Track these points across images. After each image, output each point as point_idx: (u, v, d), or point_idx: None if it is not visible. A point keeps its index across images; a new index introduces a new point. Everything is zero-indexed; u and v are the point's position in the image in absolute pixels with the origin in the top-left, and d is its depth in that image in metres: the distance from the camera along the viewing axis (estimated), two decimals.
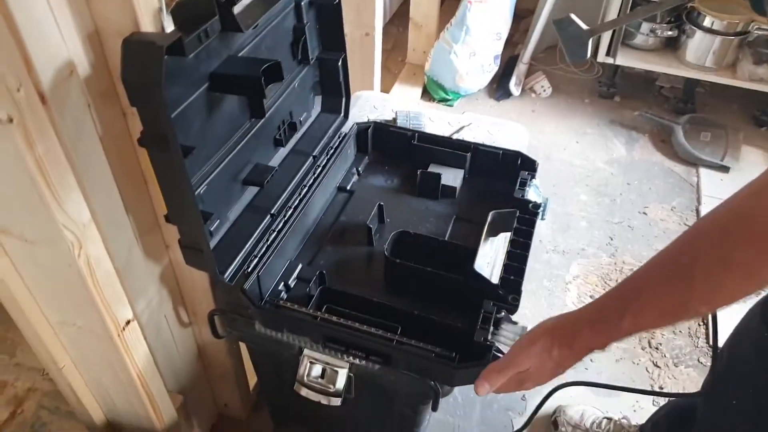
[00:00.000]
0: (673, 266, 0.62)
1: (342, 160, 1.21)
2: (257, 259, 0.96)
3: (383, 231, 1.11)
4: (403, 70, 2.57)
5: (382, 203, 1.11)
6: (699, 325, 1.66)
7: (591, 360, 1.55)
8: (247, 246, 0.96)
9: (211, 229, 0.93)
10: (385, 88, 2.35)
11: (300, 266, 1.03)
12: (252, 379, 1.36)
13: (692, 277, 0.59)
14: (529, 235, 1.02)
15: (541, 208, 1.10)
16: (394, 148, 1.26)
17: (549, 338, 0.72)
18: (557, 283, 1.76)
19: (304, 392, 1.02)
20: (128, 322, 0.84)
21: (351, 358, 0.92)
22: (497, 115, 2.45)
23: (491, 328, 0.88)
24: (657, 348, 1.59)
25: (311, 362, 0.98)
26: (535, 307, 1.68)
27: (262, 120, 1.01)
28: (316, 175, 1.12)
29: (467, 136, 1.35)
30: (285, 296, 0.99)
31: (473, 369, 0.85)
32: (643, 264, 0.66)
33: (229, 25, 0.80)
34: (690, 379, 1.53)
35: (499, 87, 2.51)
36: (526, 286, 1.72)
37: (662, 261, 0.64)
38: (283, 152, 1.12)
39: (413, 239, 1.03)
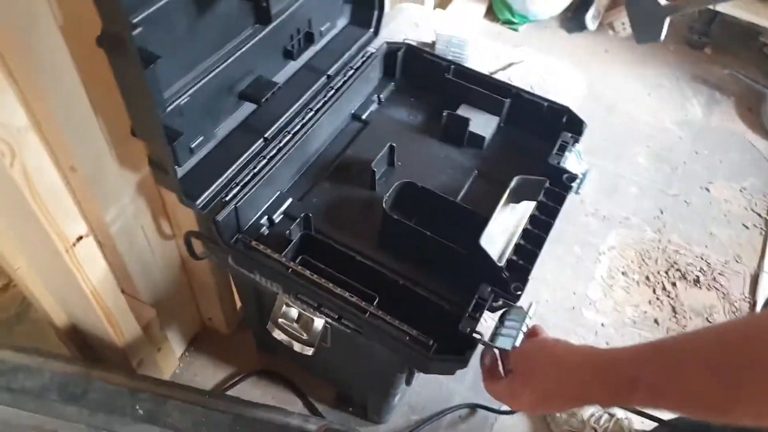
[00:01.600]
0: (720, 359, 0.48)
1: (362, 83, 1.05)
2: (238, 187, 0.85)
3: (390, 176, 0.98)
4: None
5: (394, 144, 0.96)
6: None
7: (607, 343, 1.42)
8: (230, 171, 0.85)
9: (192, 146, 0.82)
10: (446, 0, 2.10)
11: (290, 200, 0.92)
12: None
13: (740, 383, 0.45)
14: (554, 213, 0.87)
15: (578, 181, 0.93)
16: (424, 78, 1.09)
17: (548, 366, 0.61)
18: (589, 252, 1.60)
19: (277, 334, 0.94)
20: (80, 238, 0.76)
21: (322, 316, 0.82)
22: (565, 50, 2.19)
23: (481, 319, 0.76)
24: None
25: (287, 305, 0.90)
26: (558, 273, 1.54)
27: (270, 26, 0.87)
28: (326, 98, 0.98)
29: (515, 76, 1.17)
30: (266, 233, 0.89)
31: (450, 362, 0.75)
32: (681, 334, 0.53)
33: None
34: None
35: (573, 17, 2.22)
36: (554, 249, 1.60)
37: (709, 345, 0.50)
38: (293, 66, 0.97)
39: (419, 193, 0.90)
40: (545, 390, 0.62)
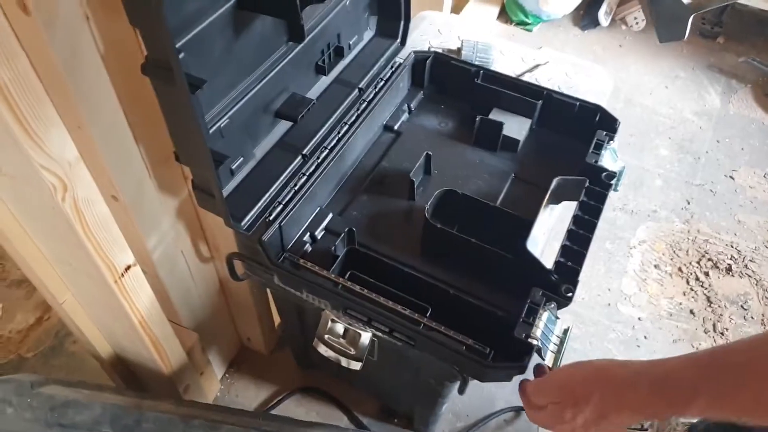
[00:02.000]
0: None
1: (393, 94, 1.05)
2: (281, 206, 0.84)
3: (428, 184, 0.97)
4: None
5: (430, 153, 0.96)
6: None
7: (645, 337, 1.41)
8: (272, 190, 0.85)
9: (232, 167, 0.82)
10: (459, 4, 2.10)
11: (330, 216, 0.92)
12: (278, 316, 1.30)
13: None
14: (597, 213, 0.86)
15: (616, 179, 0.93)
16: (453, 84, 1.09)
17: (602, 387, 0.60)
18: (620, 246, 1.59)
19: (323, 350, 0.93)
20: (128, 268, 0.76)
21: (373, 330, 0.82)
22: (580, 46, 2.18)
23: (536, 323, 0.76)
24: (722, 333, 1.43)
25: (333, 320, 0.89)
26: (591, 271, 1.53)
27: (303, 43, 0.87)
28: (359, 111, 0.98)
29: (541, 77, 1.16)
30: (309, 249, 0.88)
31: (508, 370, 0.74)
32: (736, 342, 0.54)
33: None
34: None
35: (586, 14, 2.22)
36: None
37: None
38: (324, 81, 0.97)
39: (460, 200, 0.89)
40: (602, 411, 0.61)
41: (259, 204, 0.83)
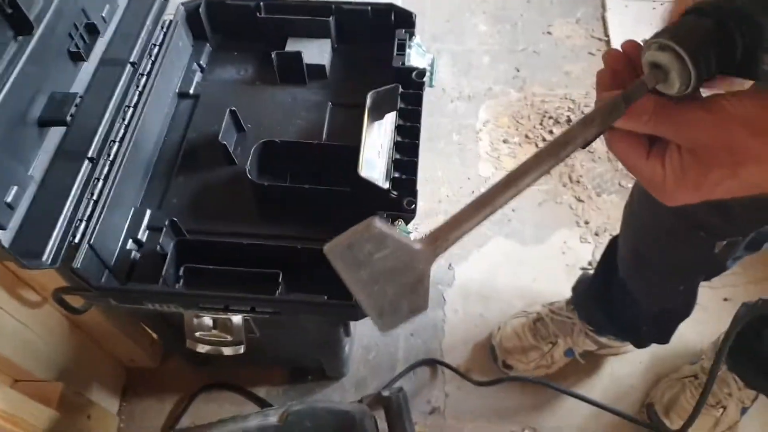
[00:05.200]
0: None
1: (174, 57, 0.94)
2: (84, 223, 0.74)
3: (245, 142, 0.90)
4: None
5: (234, 108, 0.88)
6: None
7: (512, 210, 1.46)
8: (66, 209, 0.74)
9: (7, 200, 0.70)
10: None
11: (149, 212, 0.82)
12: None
13: None
14: (417, 116, 0.84)
15: (428, 75, 0.90)
16: (238, 27, 0.99)
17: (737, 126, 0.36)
18: (468, 135, 1.61)
19: (200, 348, 0.87)
20: None
21: (233, 314, 0.76)
22: None
23: None
24: (578, 181, 1.52)
25: (196, 317, 0.82)
26: (448, 167, 1.54)
27: (37, 34, 0.73)
28: (140, 89, 0.87)
29: None
30: (138, 256, 0.79)
31: None
32: None
33: None
34: (613, 206, 1.47)
35: None
36: (435, 146, 1.60)
37: None
38: (88, 68, 0.84)
39: (282, 148, 0.83)
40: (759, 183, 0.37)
41: (57, 230, 0.72)
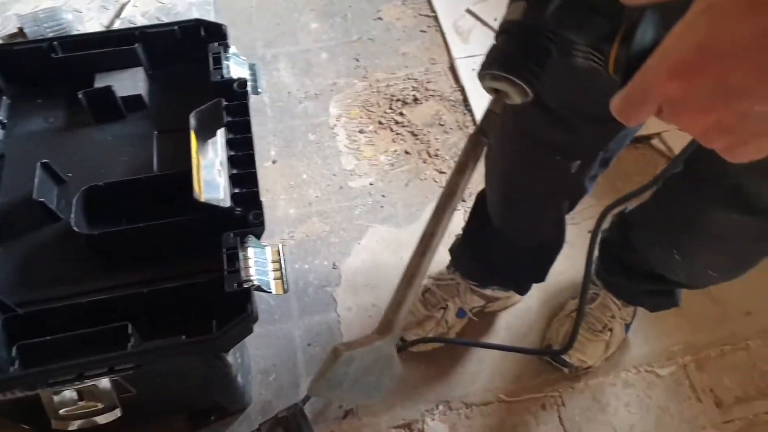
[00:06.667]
0: None
1: None
2: None
3: (67, 193, 0.82)
4: None
5: (45, 160, 0.80)
6: (464, 114, 1.64)
7: (383, 195, 1.47)
8: None
9: None
10: None
11: None
12: None
13: None
14: (246, 127, 0.81)
15: (250, 82, 0.87)
16: (35, 71, 0.91)
17: None
18: (323, 132, 1.60)
19: (72, 425, 0.79)
20: None
21: (92, 381, 0.70)
22: None
23: (243, 266, 0.70)
24: (436, 155, 1.55)
25: (54, 394, 0.75)
26: (311, 167, 1.52)
27: None
28: None
29: (137, 15, 1.03)
30: None
31: (241, 325, 0.68)
32: None
33: None
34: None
35: None
36: (293, 150, 1.58)
37: None
38: None
39: (109, 192, 0.77)
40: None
41: None
